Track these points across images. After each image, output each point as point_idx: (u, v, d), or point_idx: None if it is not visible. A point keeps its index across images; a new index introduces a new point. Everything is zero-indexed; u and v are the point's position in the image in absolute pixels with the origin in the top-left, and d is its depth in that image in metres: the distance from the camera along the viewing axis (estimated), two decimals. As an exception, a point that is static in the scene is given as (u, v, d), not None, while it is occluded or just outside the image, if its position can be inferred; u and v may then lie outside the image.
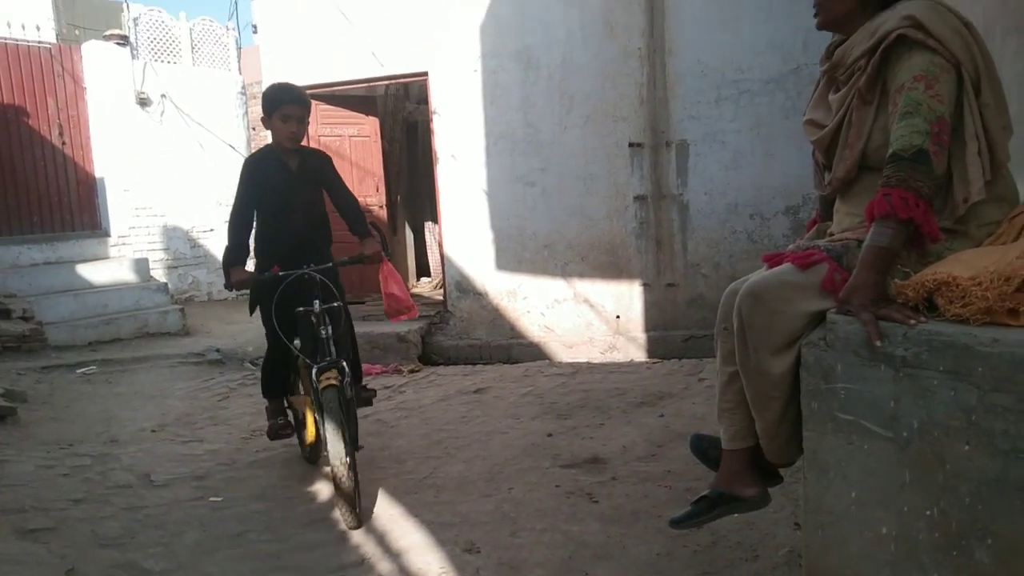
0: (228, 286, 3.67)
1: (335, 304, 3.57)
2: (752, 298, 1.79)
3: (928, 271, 1.62)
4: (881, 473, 1.59)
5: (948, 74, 1.69)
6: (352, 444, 3.39)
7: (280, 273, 3.55)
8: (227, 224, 3.81)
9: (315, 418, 3.61)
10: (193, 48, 10.38)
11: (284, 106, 3.65)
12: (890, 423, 1.57)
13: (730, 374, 1.99)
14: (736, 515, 2.21)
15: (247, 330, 7.91)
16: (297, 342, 3.63)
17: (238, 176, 3.80)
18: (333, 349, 3.50)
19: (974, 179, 1.71)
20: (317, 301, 3.50)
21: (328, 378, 3.37)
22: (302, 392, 3.92)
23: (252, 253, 3.78)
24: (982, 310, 1.50)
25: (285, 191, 3.74)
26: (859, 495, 1.64)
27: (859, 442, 1.62)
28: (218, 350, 7.20)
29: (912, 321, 1.54)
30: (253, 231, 3.78)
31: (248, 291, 3.82)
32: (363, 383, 4.17)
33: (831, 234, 2.00)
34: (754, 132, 6.49)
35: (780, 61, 6.36)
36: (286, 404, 4.08)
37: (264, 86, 7.91)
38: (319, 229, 3.89)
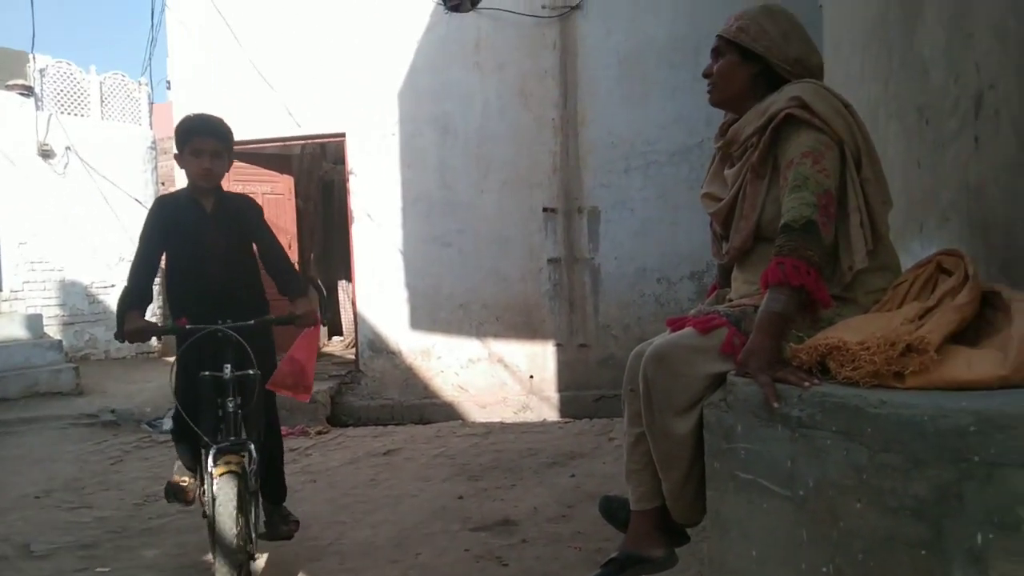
0: (120, 336, 3.04)
1: (250, 372, 2.91)
2: (656, 361, 1.84)
3: (820, 336, 1.70)
4: (780, 531, 1.63)
5: (832, 151, 1.81)
6: (246, 553, 2.80)
7: (188, 327, 2.95)
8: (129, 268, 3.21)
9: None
10: (103, 102, 10.12)
11: (195, 139, 3.12)
12: (788, 482, 1.61)
13: (637, 435, 2.02)
14: (644, 576, 2.22)
15: (144, 390, 7.58)
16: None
17: (145, 217, 3.29)
18: (241, 427, 2.90)
19: (857, 248, 1.82)
20: (228, 366, 2.88)
21: (228, 462, 2.74)
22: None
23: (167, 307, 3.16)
24: (870, 373, 1.57)
25: (195, 233, 3.18)
26: (760, 553, 1.67)
27: (759, 501, 1.67)
28: (113, 411, 6.84)
29: (806, 383, 1.60)
30: (163, 280, 3.31)
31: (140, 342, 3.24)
32: (284, 509, 3.46)
33: (730, 300, 2.08)
34: (661, 201, 6.75)
35: (685, 134, 6.67)
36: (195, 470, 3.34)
37: (175, 140, 7.80)
38: (246, 287, 3.29)
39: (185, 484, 3.34)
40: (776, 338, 1.70)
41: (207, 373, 2.91)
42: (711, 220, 2.19)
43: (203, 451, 2.94)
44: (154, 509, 4.25)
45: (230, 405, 2.88)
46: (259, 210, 3.42)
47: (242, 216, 3.30)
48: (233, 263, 3.25)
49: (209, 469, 2.77)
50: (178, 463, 3.43)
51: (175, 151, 3.25)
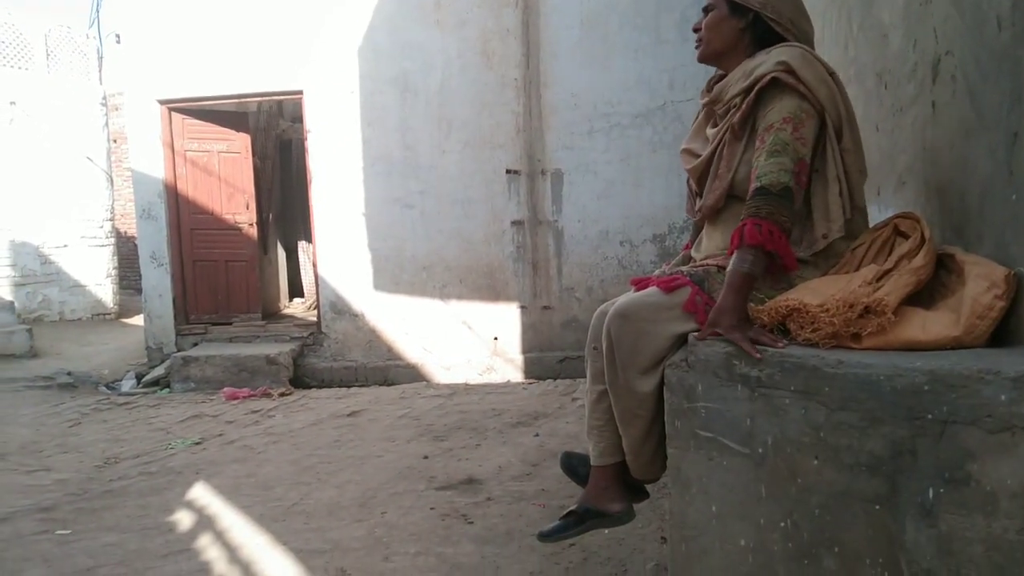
0: None
1: None
2: (620, 318, 1.86)
3: (781, 298, 1.74)
4: (739, 488, 1.68)
5: (812, 119, 1.83)
6: None
7: None
8: None
9: None
10: (48, 54, 9.75)
11: None
12: (747, 440, 1.66)
13: (599, 392, 2.05)
14: (607, 532, 2.27)
15: (102, 352, 7.47)
16: None
17: None
18: None
19: (835, 218, 1.85)
20: None
21: None
22: None
23: None
24: (829, 335, 1.61)
25: None
26: (719, 509, 1.72)
27: (719, 458, 1.71)
28: (69, 373, 6.74)
29: (779, 344, 1.64)
30: None
31: None
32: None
33: (693, 261, 2.11)
34: (624, 163, 6.76)
35: (648, 97, 6.67)
36: None
37: (128, 97, 7.54)
38: None
39: None
40: (745, 298, 1.74)
41: None
42: (687, 176, 2.20)
43: None
44: (115, 471, 4.22)
45: None
46: None
47: None
48: None
49: None
50: None
51: None
